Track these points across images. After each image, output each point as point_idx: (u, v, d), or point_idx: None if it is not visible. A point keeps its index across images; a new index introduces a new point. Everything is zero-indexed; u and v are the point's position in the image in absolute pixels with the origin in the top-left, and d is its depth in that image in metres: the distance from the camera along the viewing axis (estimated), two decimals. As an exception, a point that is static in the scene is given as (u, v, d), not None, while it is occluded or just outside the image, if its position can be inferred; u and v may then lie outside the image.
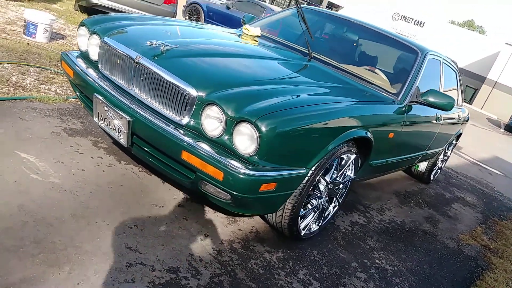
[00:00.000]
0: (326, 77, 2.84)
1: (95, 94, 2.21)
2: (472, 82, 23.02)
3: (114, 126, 2.16)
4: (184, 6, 12.38)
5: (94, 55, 2.46)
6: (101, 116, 2.23)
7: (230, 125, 1.89)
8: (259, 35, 3.48)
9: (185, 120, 2.01)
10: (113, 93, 2.18)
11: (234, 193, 1.90)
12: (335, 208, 2.74)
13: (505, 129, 16.04)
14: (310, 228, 2.57)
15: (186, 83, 1.99)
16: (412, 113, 3.09)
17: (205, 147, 1.92)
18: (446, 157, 5.10)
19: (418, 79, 3.14)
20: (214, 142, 1.96)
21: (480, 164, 7.93)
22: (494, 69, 21.93)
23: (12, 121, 2.69)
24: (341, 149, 2.32)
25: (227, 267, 2.09)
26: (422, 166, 4.73)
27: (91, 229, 1.98)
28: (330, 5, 30.12)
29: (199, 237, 2.23)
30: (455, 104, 4.56)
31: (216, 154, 1.89)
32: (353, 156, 2.53)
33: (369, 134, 2.49)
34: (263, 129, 1.82)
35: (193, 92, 1.97)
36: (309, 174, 2.19)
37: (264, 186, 1.94)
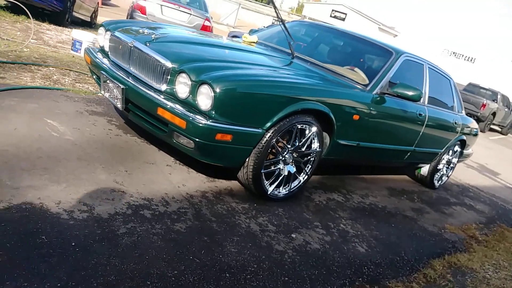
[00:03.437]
0: (300, 69, 3.33)
1: (101, 71, 2.87)
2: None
3: (114, 94, 2.78)
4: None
5: (107, 47, 3.14)
6: (106, 88, 2.86)
7: (194, 88, 2.43)
8: (256, 41, 4.05)
9: (163, 87, 2.58)
10: (113, 69, 2.83)
11: (196, 139, 2.41)
12: (304, 178, 3.13)
13: None
14: (279, 191, 2.98)
15: (165, 58, 2.57)
16: (386, 104, 3.46)
17: (177, 106, 2.47)
18: (452, 165, 5.23)
19: (389, 74, 3.53)
20: (184, 103, 2.50)
21: (521, 189, 7.56)
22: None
23: (47, 101, 3.41)
24: (298, 118, 2.76)
25: (194, 205, 2.56)
26: (424, 169, 4.94)
27: (89, 168, 2.56)
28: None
29: (178, 185, 2.73)
30: (455, 110, 4.82)
31: (183, 110, 2.43)
32: (314, 129, 2.94)
33: (326, 110, 2.91)
34: (217, 89, 2.34)
35: (168, 64, 2.54)
36: (267, 136, 2.65)
37: (220, 136, 2.43)
